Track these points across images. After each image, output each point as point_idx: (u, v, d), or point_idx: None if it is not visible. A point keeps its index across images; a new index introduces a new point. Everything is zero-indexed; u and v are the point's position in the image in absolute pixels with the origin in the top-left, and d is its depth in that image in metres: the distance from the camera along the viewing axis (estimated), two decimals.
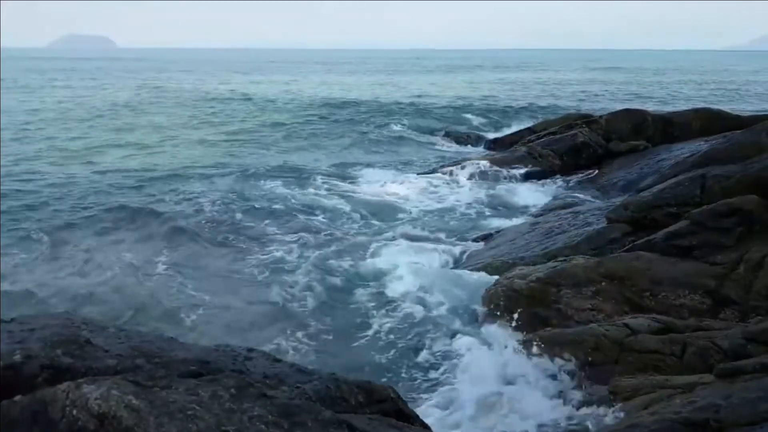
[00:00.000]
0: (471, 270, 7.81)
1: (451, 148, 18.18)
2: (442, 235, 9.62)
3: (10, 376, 1.98)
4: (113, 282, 7.49)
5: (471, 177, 12.87)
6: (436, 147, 18.34)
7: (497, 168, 13.18)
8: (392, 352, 5.95)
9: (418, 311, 6.77)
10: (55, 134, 19.04)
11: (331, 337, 6.34)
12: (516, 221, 10.11)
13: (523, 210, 10.91)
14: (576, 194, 11.45)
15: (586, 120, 15.22)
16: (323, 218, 10.46)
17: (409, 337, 6.26)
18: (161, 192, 11.86)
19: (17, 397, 1.92)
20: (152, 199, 11.37)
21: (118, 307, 6.85)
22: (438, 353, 5.85)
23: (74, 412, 1.83)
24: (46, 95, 32.02)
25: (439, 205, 11.32)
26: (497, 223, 10.18)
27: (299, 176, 13.15)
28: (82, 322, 2.50)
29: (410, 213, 10.86)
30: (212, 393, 2.01)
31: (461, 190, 12.31)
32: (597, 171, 12.85)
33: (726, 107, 17.43)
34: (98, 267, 7.96)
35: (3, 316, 2.47)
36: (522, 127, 18.60)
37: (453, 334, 6.20)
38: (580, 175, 12.86)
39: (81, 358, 2.15)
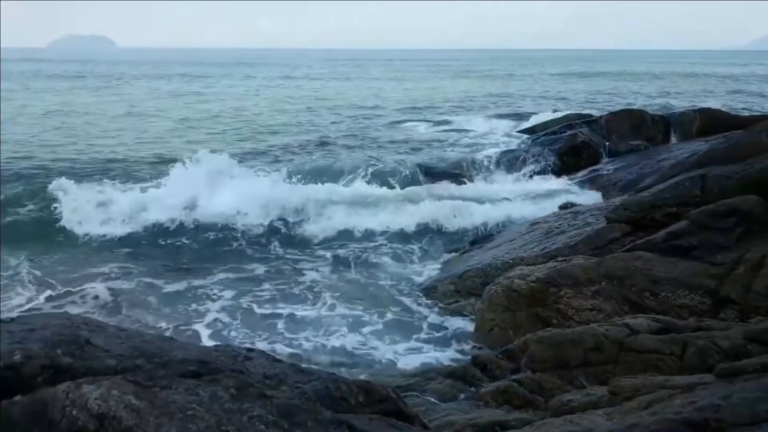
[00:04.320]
0: (471, 269, 7.82)
1: None
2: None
3: (10, 376, 1.98)
4: None
5: None
6: None
7: None
8: None
9: None
10: None
11: None
12: (515, 221, 10.12)
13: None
14: (575, 194, 11.46)
15: (586, 120, 15.25)
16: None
17: None
18: None
19: (17, 397, 1.92)
20: None
21: None
22: None
23: (74, 412, 1.82)
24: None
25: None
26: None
27: None
28: (82, 322, 2.50)
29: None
30: (212, 393, 2.01)
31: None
32: (597, 171, 12.87)
33: None
34: None
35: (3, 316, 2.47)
36: None
37: None
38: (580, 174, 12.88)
39: (81, 358, 2.15)
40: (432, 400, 4.79)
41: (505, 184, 12.83)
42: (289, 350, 6.40)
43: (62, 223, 10.16)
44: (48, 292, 7.77)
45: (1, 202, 10.95)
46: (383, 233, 10.05)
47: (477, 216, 10.62)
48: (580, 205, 10.05)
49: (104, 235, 9.83)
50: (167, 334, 6.40)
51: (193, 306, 7.47)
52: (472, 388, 4.93)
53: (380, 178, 12.72)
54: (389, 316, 7.33)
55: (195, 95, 33.22)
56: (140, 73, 53.88)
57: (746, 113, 20.02)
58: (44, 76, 47.02)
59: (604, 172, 12.56)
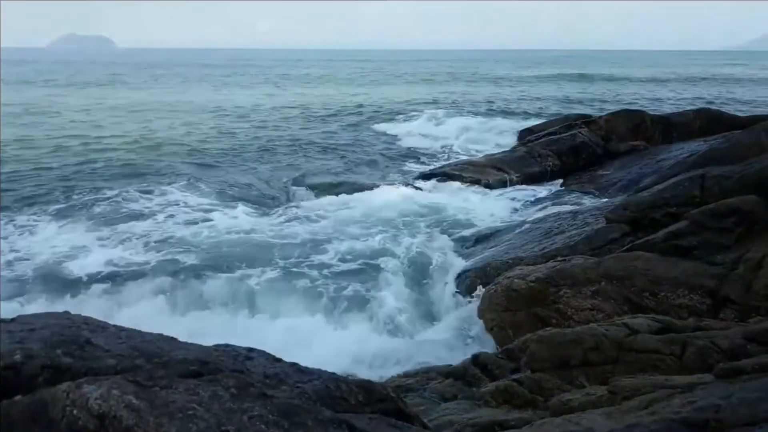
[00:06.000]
0: (471, 269, 7.82)
1: None
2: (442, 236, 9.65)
3: (10, 376, 1.98)
4: None
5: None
6: None
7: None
8: None
9: None
10: None
11: None
12: (515, 221, 10.11)
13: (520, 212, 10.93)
14: (575, 194, 11.46)
15: (586, 120, 15.25)
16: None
17: None
18: None
19: (17, 397, 1.92)
20: None
21: None
22: None
23: (74, 412, 1.82)
24: None
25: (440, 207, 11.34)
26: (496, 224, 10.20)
27: None
28: (82, 322, 2.50)
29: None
30: (212, 393, 2.01)
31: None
32: (596, 171, 12.88)
33: None
34: None
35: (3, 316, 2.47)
36: None
37: None
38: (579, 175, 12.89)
39: (81, 358, 2.15)
40: (432, 399, 4.79)
41: (505, 184, 12.83)
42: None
43: None
44: None
45: (1, 198, 11.09)
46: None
47: (475, 216, 10.62)
48: (580, 204, 10.07)
49: None
50: None
51: None
52: (472, 388, 4.93)
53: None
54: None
55: None
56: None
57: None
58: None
59: (604, 172, 12.56)
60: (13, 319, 2.46)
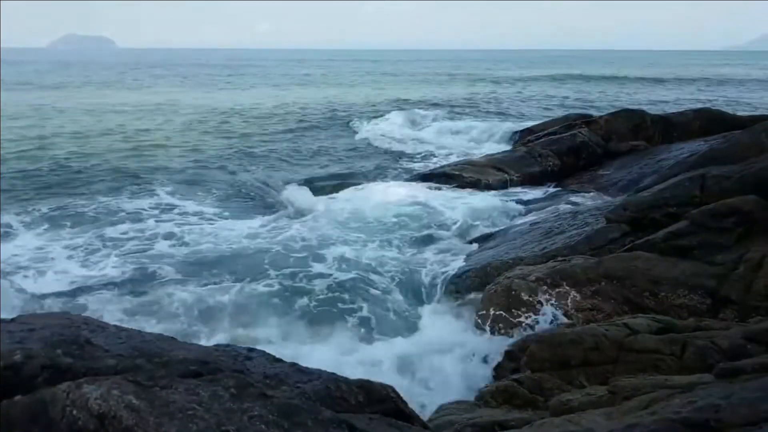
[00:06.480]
0: (471, 269, 7.82)
1: None
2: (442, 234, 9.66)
3: (10, 376, 1.98)
4: None
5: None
6: None
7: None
8: None
9: None
10: None
11: None
12: (515, 222, 10.12)
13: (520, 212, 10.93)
14: (575, 194, 11.46)
15: (586, 120, 15.25)
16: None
17: None
18: None
19: (17, 397, 1.92)
20: None
21: None
22: None
23: (74, 412, 1.83)
24: None
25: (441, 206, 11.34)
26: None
27: None
28: (82, 322, 2.50)
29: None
30: (212, 393, 2.01)
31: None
32: (597, 171, 12.87)
33: None
34: None
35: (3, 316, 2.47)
36: None
37: None
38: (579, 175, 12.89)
39: (81, 358, 2.15)
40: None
41: (505, 184, 12.83)
42: None
43: None
44: None
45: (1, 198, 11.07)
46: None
47: (475, 216, 10.62)
48: (580, 204, 10.07)
49: None
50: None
51: None
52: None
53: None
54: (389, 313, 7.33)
55: None
56: None
57: None
58: None
59: (604, 172, 12.56)
60: (13, 319, 2.46)
